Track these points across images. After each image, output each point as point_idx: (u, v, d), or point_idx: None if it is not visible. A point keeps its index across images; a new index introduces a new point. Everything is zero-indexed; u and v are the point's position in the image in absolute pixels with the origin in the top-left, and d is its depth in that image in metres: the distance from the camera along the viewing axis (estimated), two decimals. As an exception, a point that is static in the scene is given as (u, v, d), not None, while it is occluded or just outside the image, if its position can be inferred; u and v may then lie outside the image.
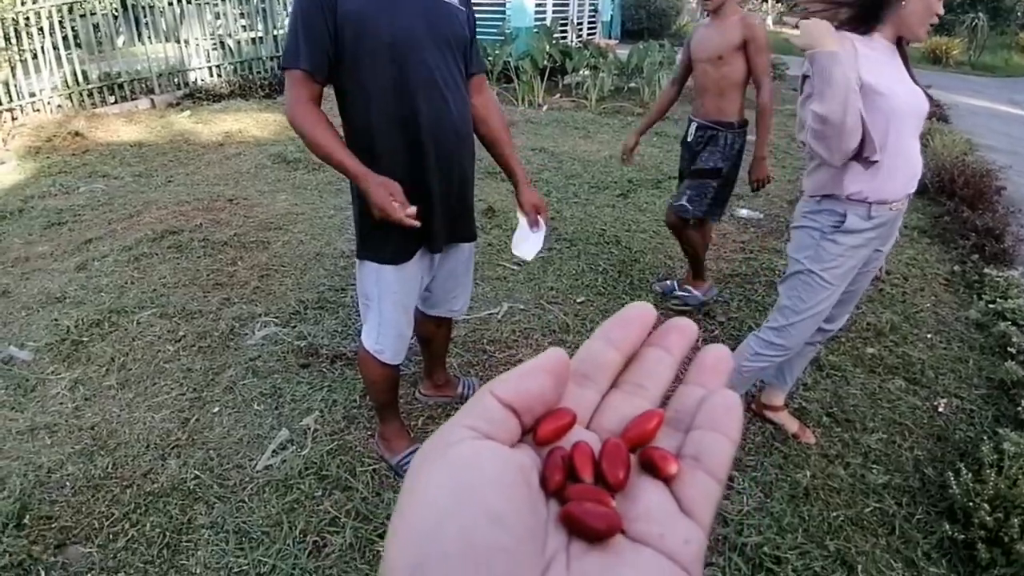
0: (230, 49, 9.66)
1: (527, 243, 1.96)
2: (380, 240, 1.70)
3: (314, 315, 3.03)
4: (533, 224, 1.93)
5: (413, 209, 1.56)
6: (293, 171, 5.31)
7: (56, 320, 3.00)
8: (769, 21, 25.75)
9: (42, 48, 7.53)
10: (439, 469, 0.23)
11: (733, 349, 2.73)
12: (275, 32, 10.17)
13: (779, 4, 26.04)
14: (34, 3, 7.39)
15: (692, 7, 22.25)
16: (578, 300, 3.25)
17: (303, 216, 4.20)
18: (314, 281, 3.34)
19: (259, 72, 9.86)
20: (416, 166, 1.65)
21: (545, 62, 9.17)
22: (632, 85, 9.37)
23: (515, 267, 3.57)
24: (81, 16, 8.48)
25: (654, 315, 0.30)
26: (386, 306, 1.79)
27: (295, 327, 2.93)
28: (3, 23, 7.14)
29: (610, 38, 13.71)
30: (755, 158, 2.85)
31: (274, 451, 2.20)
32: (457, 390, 2.44)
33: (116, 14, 8.51)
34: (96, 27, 8.92)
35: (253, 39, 9.95)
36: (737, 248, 3.97)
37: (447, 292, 2.05)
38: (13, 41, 7.32)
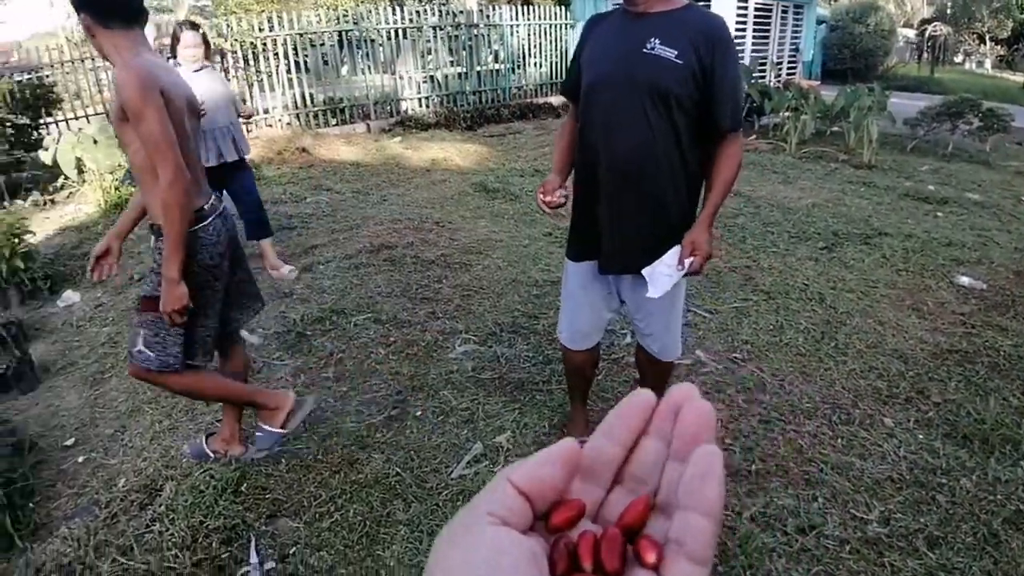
0: (438, 82, 10.55)
1: (661, 276, 1.87)
2: (570, 238, 2.08)
3: (508, 338, 3.15)
4: (680, 260, 1.84)
5: (549, 196, 1.95)
6: (492, 200, 5.62)
7: (284, 313, 3.42)
8: (988, 65, 22.79)
9: (276, 71, 8.76)
10: (464, 552, 0.27)
11: (948, 435, 2.40)
12: (478, 68, 10.95)
13: (998, 47, 22.97)
14: (271, 31, 8.65)
15: (901, 46, 20.36)
16: (775, 358, 3.05)
17: (501, 243, 4.42)
18: (509, 305, 3.49)
19: (462, 105, 10.64)
20: (590, 190, 1.88)
21: (743, 102, 8.85)
22: (835, 129, 8.74)
23: (706, 314, 3.44)
24: (312, 46, 9.76)
25: (653, 402, 0.32)
26: (564, 291, 2.15)
27: (491, 347, 3.07)
28: (243, 46, 8.43)
29: (811, 78, 12.94)
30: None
31: (468, 462, 2.31)
32: None
33: (342, 45, 9.67)
34: (324, 57, 10.23)
35: (459, 74, 10.80)
36: (956, 320, 3.49)
37: (639, 323, 2.11)
38: (252, 63, 8.61)
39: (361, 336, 3.16)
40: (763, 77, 11.15)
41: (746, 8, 10.55)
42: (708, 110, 1.77)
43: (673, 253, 1.84)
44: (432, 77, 10.44)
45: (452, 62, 10.75)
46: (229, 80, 8.29)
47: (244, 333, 3.18)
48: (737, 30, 10.45)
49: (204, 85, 3.46)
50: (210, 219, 1.96)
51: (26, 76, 8.28)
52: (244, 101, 8.47)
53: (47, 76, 8.42)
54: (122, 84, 1.71)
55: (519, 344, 3.10)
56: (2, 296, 3.97)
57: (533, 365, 2.92)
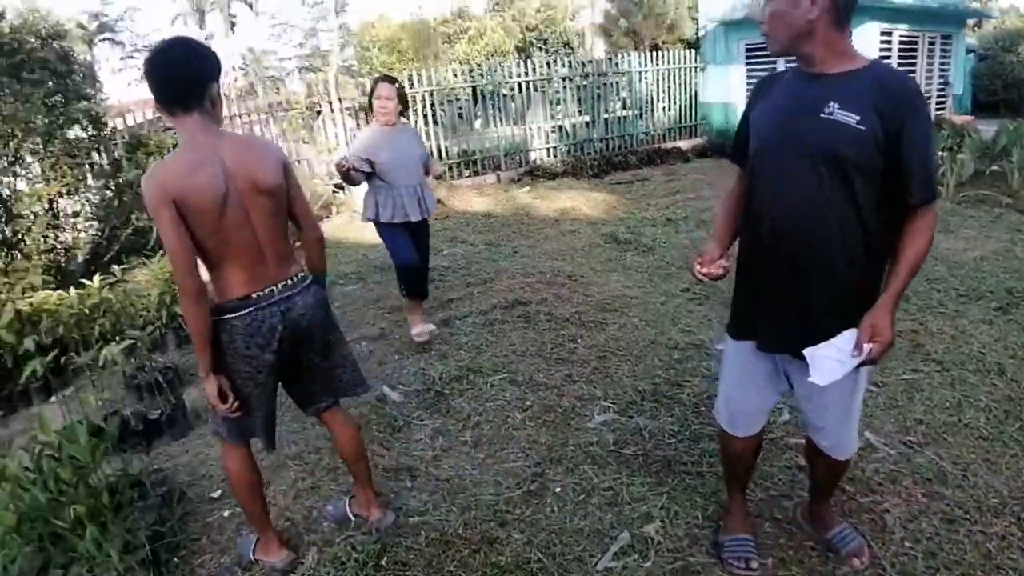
0: (566, 131, 10.67)
1: (827, 361, 1.60)
2: (732, 312, 1.89)
3: (650, 408, 2.96)
4: (857, 345, 1.57)
5: (708, 266, 1.83)
6: (624, 252, 5.48)
7: (424, 370, 3.45)
8: None
9: (416, 126, 9.21)
10: None
11: None
12: (605, 116, 10.96)
13: None
14: (411, 88, 9.12)
15: None
16: (955, 442, 2.62)
17: (636, 300, 4.25)
18: (649, 371, 3.30)
19: (589, 153, 10.67)
20: (755, 262, 1.75)
21: (936, 171, 8.12)
22: (995, 169, 7.74)
23: (872, 387, 3.05)
24: (448, 101, 10.22)
25: None
26: (724, 370, 1.97)
27: (632, 417, 2.89)
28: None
29: (962, 113, 11.70)
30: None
31: (615, 554, 2.13)
32: (829, 531, 2.09)
33: (475, 99, 10.05)
34: (459, 111, 10.68)
35: (586, 123, 10.87)
36: None
37: (808, 413, 1.87)
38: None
39: (498, 398, 3.10)
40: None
41: (890, 40, 9.82)
42: (895, 181, 1.54)
43: (848, 337, 1.60)
44: (560, 127, 10.58)
45: (580, 111, 10.85)
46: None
47: (385, 389, 3.25)
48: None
49: (395, 143, 3.55)
50: (252, 309, 1.85)
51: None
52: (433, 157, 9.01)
53: None
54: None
55: (662, 416, 2.90)
56: (160, 340, 4.33)
57: (680, 442, 2.71)
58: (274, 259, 1.92)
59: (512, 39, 26.96)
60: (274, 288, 1.91)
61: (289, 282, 1.95)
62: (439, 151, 9.53)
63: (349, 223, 7.41)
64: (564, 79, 10.45)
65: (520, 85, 10.09)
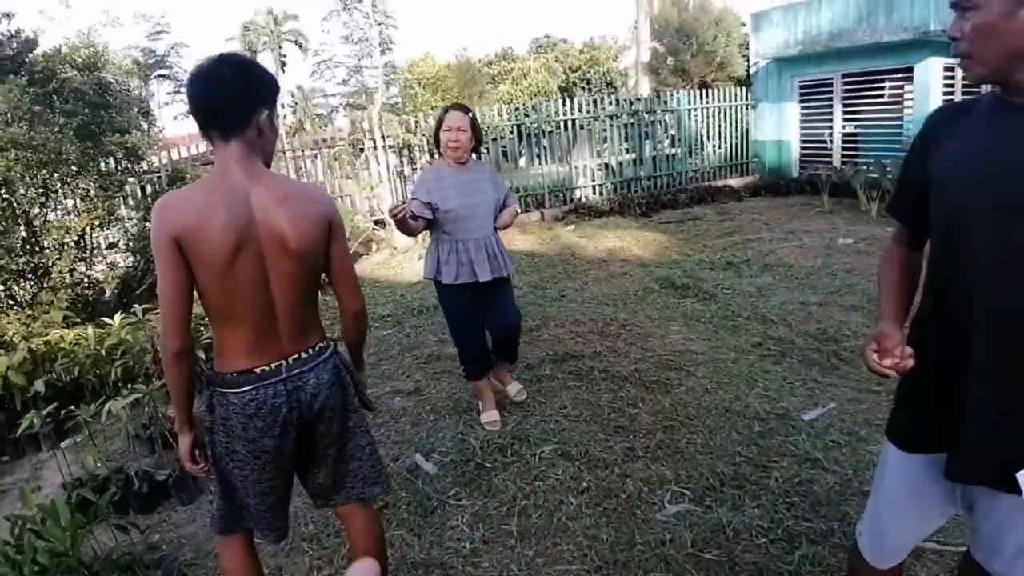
0: (612, 169, 10.33)
1: None
2: (897, 413, 1.44)
3: (732, 496, 2.47)
4: None
5: (897, 361, 1.27)
6: (682, 299, 5.01)
7: (462, 435, 3.02)
8: None
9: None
10: None
11: None
12: (653, 153, 10.60)
13: None
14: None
15: None
16: None
17: (703, 357, 3.76)
18: (726, 446, 2.80)
19: (636, 191, 10.29)
20: (951, 355, 1.24)
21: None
22: None
23: None
24: (493, 140, 10.02)
25: None
26: (879, 486, 1.48)
27: (710, 507, 2.40)
28: (430, 140, 8.71)
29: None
30: None
31: None
32: None
33: (520, 138, 9.83)
34: (503, 149, 10.47)
35: (633, 160, 10.52)
36: None
37: (994, 544, 1.35)
38: (436, 156, 8.90)
39: (548, 476, 2.64)
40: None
41: (953, 76, 9.21)
42: None
43: None
44: (606, 164, 10.26)
45: (627, 149, 10.53)
46: (416, 171, 8.67)
47: (418, 458, 2.84)
48: (944, 99, 9.11)
49: (465, 186, 2.91)
50: (253, 387, 1.52)
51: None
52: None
53: None
54: None
55: (747, 506, 2.40)
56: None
57: (771, 542, 2.20)
58: (289, 329, 1.56)
59: (555, 79, 27.09)
60: (283, 363, 1.55)
61: (303, 355, 1.58)
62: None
63: (388, 260, 7.14)
64: (611, 117, 10.15)
65: (565, 123, 9.83)
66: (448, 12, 76.66)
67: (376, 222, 8.52)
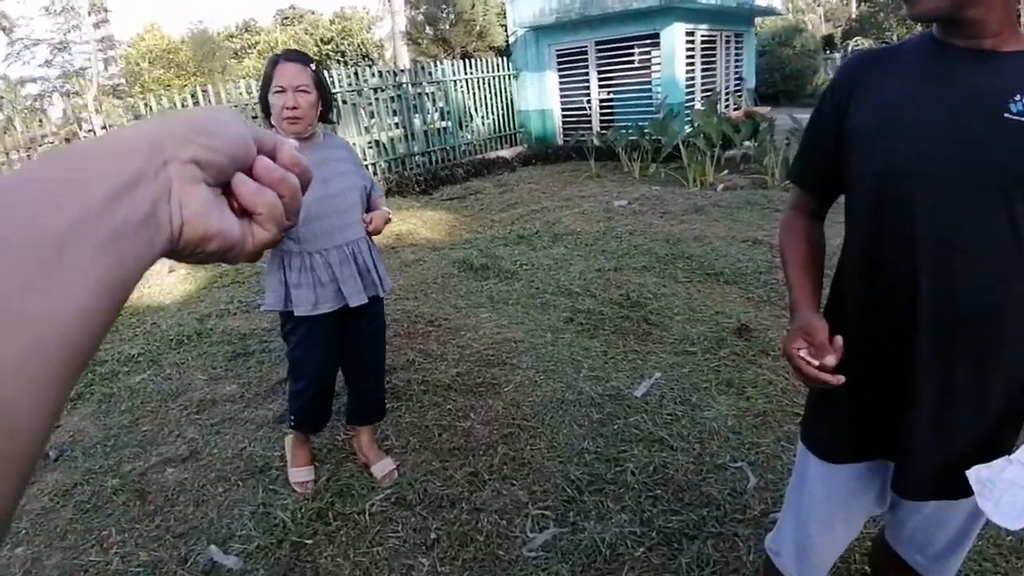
0: (384, 147, 9.74)
1: (1013, 490, 1.02)
2: (814, 414, 1.27)
3: (594, 504, 2.23)
4: None
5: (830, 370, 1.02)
6: (484, 280, 4.73)
7: (265, 506, 2.37)
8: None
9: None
10: None
11: None
12: (424, 128, 10.22)
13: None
14: (195, 106, 7.69)
15: (837, 62, 21.15)
16: None
17: (522, 344, 3.51)
18: (572, 445, 2.57)
19: (412, 168, 9.84)
20: (889, 349, 1.07)
21: (719, 139, 8.40)
22: None
23: None
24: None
25: None
26: (798, 498, 1.30)
27: (575, 523, 2.13)
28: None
29: (756, 105, 12.81)
30: None
31: None
32: None
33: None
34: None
35: (404, 136, 10.03)
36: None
37: (922, 539, 1.26)
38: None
39: (387, 536, 2.15)
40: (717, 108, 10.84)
41: (693, 39, 10.28)
42: None
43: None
44: (377, 141, 9.62)
45: (396, 124, 9.99)
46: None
47: (213, 551, 2.15)
48: (687, 63, 10.14)
49: (316, 170, 1.98)
50: None
51: None
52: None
53: None
54: None
55: (613, 512, 2.18)
56: None
57: (650, 549, 2.01)
58: None
59: (306, 52, 25.18)
60: None
61: None
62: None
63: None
64: (375, 90, 9.50)
65: (326, 99, 8.97)
66: None
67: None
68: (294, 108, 1.95)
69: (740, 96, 12.45)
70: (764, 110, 11.17)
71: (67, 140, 6.82)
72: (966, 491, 1.04)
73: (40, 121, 11.41)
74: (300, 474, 2.45)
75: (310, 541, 2.14)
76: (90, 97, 6.52)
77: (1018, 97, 0.91)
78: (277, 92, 1.96)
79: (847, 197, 1.13)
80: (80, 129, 6.73)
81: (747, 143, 9.16)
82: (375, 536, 2.15)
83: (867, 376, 1.08)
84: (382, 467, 2.46)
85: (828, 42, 30.22)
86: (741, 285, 4.15)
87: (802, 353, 1.04)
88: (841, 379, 1.01)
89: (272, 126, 2.02)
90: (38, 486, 2.71)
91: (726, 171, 8.53)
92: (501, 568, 1.98)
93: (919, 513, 1.21)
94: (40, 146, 7.07)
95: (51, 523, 2.44)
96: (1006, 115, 0.92)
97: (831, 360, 1.01)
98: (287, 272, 2.08)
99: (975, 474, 1.03)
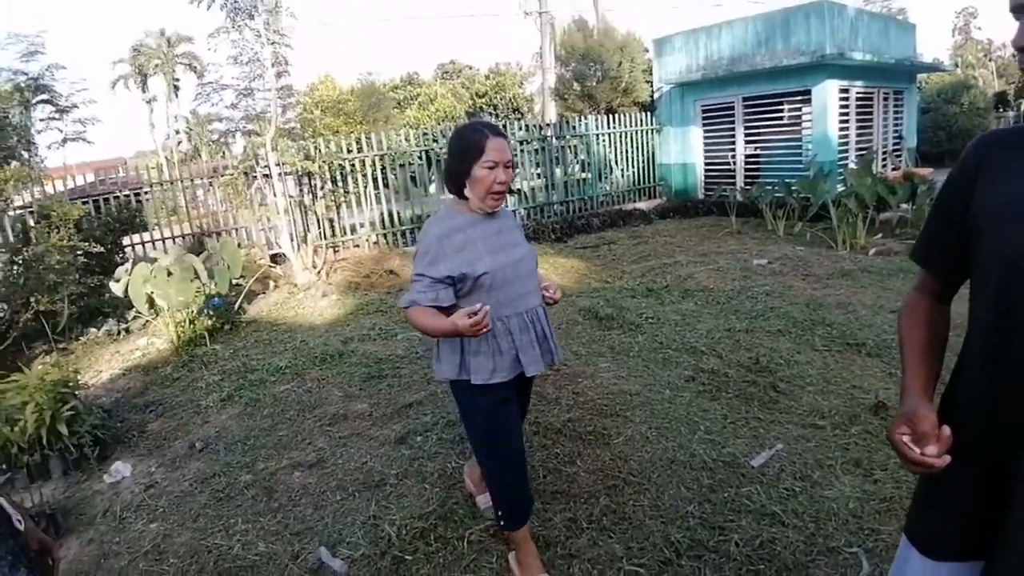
0: (524, 195, 10.14)
1: None
2: (919, 505, 1.18)
3: (691, 569, 2.15)
4: None
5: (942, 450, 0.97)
6: (608, 331, 4.75)
7: (375, 519, 2.54)
8: None
9: (364, 191, 8.51)
10: None
11: None
12: (564, 178, 10.53)
13: None
14: (359, 152, 8.46)
15: (1011, 121, 19.01)
16: None
17: (638, 398, 3.48)
18: (677, 506, 2.50)
19: (550, 216, 10.14)
20: (1005, 453, 0.98)
21: (872, 200, 7.85)
22: None
23: None
24: (400, 166, 9.62)
25: None
26: None
27: (672, 588, 2.07)
28: (331, 167, 8.21)
29: (917, 165, 11.79)
30: None
31: None
32: None
33: (429, 164, 9.50)
34: (412, 175, 10.08)
35: (544, 185, 10.39)
36: None
37: None
38: (339, 183, 8.38)
39: (481, 566, 2.22)
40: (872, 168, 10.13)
41: (847, 97, 9.77)
42: None
43: None
44: (519, 190, 10.06)
45: (538, 174, 10.40)
46: (316, 201, 8.07)
47: (323, 553, 2.33)
48: (841, 120, 9.63)
49: (499, 241, 2.00)
50: None
51: (128, 192, 8.47)
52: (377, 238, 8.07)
53: (145, 194, 8.56)
54: None
55: (711, 581, 2.09)
56: (41, 467, 3.32)
57: (745, 629, 1.90)
58: None
59: (462, 104, 27.01)
60: None
61: None
62: (389, 216, 8.81)
63: (287, 300, 6.49)
64: (521, 142, 9.98)
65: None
66: (350, 35, 75.61)
67: (273, 257, 7.83)
68: (504, 183, 1.94)
69: (899, 156, 11.58)
70: (926, 171, 10.28)
71: (245, 174, 7.80)
72: None
73: (223, 154, 13.14)
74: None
75: (410, 557, 2.27)
76: (268, 137, 7.43)
77: None
78: (489, 167, 1.89)
79: (972, 281, 1.08)
80: (257, 164, 7.68)
81: (904, 206, 8.45)
82: (470, 563, 2.22)
83: (974, 470, 1.01)
84: (485, 499, 2.49)
85: (1001, 99, 27.25)
86: (884, 359, 3.82)
87: (905, 439, 1.01)
88: (946, 460, 0.95)
89: (463, 197, 1.97)
90: (181, 471, 3.11)
91: (879, 235, 7.92)
92: (589, 619, 1.97)
93: None
94: (221, 176, 8.15)
95: (187, 505, 2.79)
96: None
97: (932, 450, 0.97)
98: (465, 340, 1.96)
99: None
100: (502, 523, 2.13)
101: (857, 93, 10.01)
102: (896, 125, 11.43)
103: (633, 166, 11.39)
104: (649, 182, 11.65)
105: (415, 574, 2.19)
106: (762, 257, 6.82)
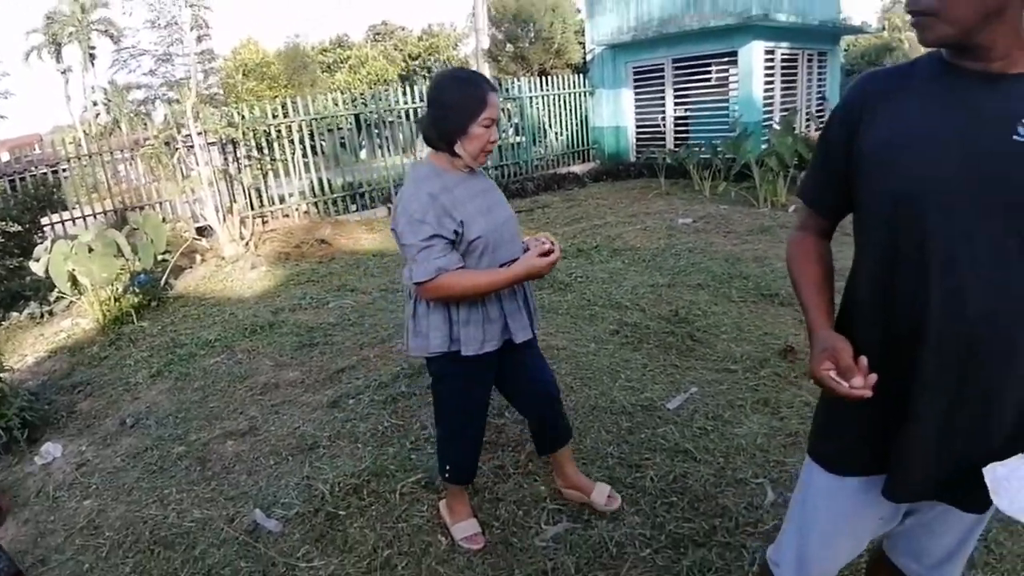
0: (460, 158, 10.09)
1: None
2: (822, 428, 1.29)
3: (610, 505, 2.32)
4: None
5: (868, 380, 1.03)
6: (538, 291, 4.86)
7: (309, 479, 2.61)
8: None
9: (292, 158, 8.31)
10: None
11: None
12: (499, 142, 10.54)
13: None
14: (285, 117, 8.23)
15: None
16: None
17: (563, 351, 3.63)
18: (598, 448, 2.67)
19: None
20: (893, 369, 1.07)
21: (792, 159, 8.21)
22: None
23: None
24: (328, 131, 9.40)
25: None
26: (803, 509, 1.31)
27: (588, 521, 2.24)
28: (256, 134, 7.98)
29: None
30: None
31: None
32: None
33: (359, 128, 9.31)
34: (341, 141, 9.88)
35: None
36: None
37: (919, 547, 1.28)
38: (266, 151, 8.16)
39: (412, 515, 2.33)
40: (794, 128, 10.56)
41: (773, 58, 10.10)
42: None
43: None
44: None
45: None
46: (242, 170, 7.83)
47: (257, 515, 2.39)
48: (766, 82, 9.96)
49: (485, 199, 1.88)
50: None
51: (45, 170, 8.01)
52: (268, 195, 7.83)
53: (64, 170, 8.12)
54: None
55: (627, 514, 2.26)
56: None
57: (656, 552, 2.08)
58: None
59: (395, 67, 26.32)
60: None
61: None
62: (320, 185, 8.64)
63: (215, 273, 6.34)
64: (454, 105, 9.88)
65: (408, 113, 9.43)
66: None
67: (199, 230, 7.59)
68: (495, 141, 1.83)
69: (823, 117, 12.07)
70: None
71: (166, 144, 7.49)
72: (955, 499, 1.08)
73: (144, 124, 12.52)
74: (466, 527, 2.20)
75: (343, 512, 2.36)
76: (189, 105, 7.13)
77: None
78: (486, 125, 1.76)
79: (856, 218, 1.15)
80: (179, 133, 7.38)
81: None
82: (401, 514, 2.33)
83: (875, 392, 1.07)
84: (602, 490, 2.29)
85: None
86: (795, 307, 4.09)
87: (832, 374, 1.05)
88: (869, 392, 1.02)
89: (454, 154, 1.80)
90: (112, 448, 3.09)
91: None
92: (512, 553, 2.11)
93: (918, 522, 1.24)
94: (142, 147, 7.81)
95: (120, 480, 2.79)
96: (1015, 137, 0.95)
97: (859, 381, 1.03)
98: (453, 308, 1.86)
99: (991, 472, 1.05)
100: (447, 476, 2.17)
101: (782, 55, 10.34)
102: (820, 86, 11.87)
103: (567, 129, 11.48)
104: (583, 145, 11.78)
105: (348, 527, 2.29)
106: (687, 216, 7.08)
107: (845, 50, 16.40)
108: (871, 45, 18.57)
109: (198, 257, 6.80)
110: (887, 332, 1.10)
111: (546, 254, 1.77)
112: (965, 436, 1.07)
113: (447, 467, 2.16)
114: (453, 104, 1.76)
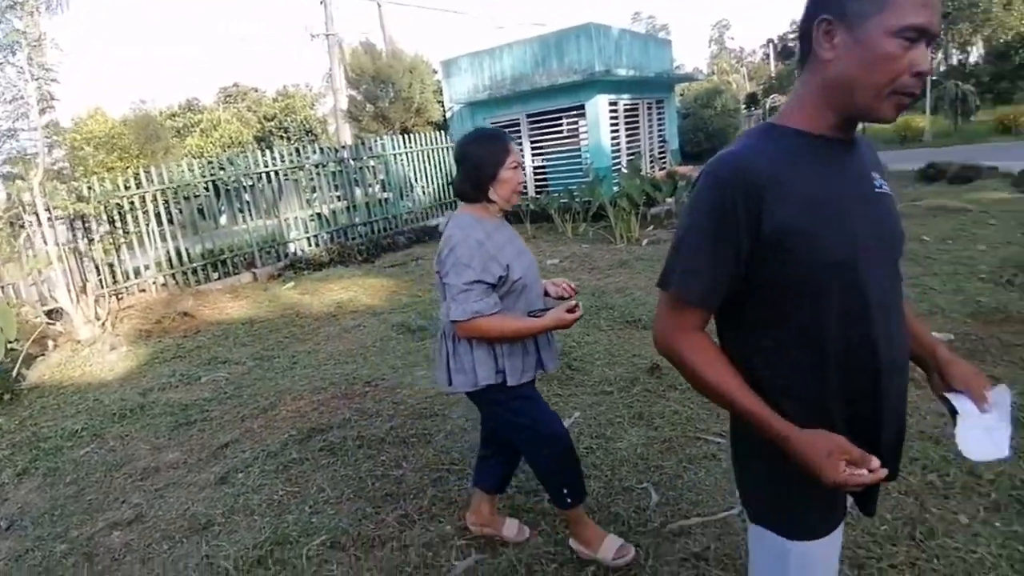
0: (325, 219, 10.02)
1: (985, 434, 1.18)
2: (798, 503, 1.16)
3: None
4: (981, 401, 1.18)
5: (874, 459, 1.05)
6: (421, 341, 5.00)
7: (209, 558, 2.52)
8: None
9: (147, 229, 7.89)
10: None
11: None
12: (366, 199, 10.61)
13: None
14: (138, 188, 7.84)
15: (760, 118, 22.81)
16: None
17: (453, 397, 3.77)
18: (496, 482, 2.82)
19: (354, 238, 10.14)
20: (861, 413, 1.14)
21: (641, 198, 9.04)
22: None
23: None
24: (184, 199, 9.01)
25: None
26: None
27: (496, 550, 2.37)
28: (107, 207, 7.53)
29: (680, 164, 13.79)
30: None
31: None
32: None
33: (218, 194, 9.01)
34: (200, 210, 9.49)
35: (346, 207, 10.36)
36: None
37: None
38: (118, 224, 7.69)
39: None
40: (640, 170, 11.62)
41: (616, 109, 11.12)
42: None
43: (966, 407, 1.19)
44: (319, 214, 9.92)
45: (338, 196, 10.35)
46: (93, 245, 7.30)
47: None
48: (612, 130, 10.92)
49: (512, 241, 2.09)
50: None
51: None
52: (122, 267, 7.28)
53: None
54: None
55: (531, 537, 2.43)
56: None
57: (562, 565, 2.25)
58: None
59: (249, 129, 25.61)
60: None
61: None
62: (178, 254, 8.21)
63: (72, 358, 5.82)
64: (317, 166, 9.88)
65: (268, 175, 9.28)
66: (120, 63, 67.36)
67: (48, 313, 6.93)
68: (523, 181, 2.13)
69: (664, 157, 13.37)
70: (687, 169, 12.04)
71: (11, 224, 6.85)
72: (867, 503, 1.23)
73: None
74: (611, 543, 2.22)
75: (251, 585, 2.31)
76: (36, 181, 6.60)
77: (874, 175, 1.14)
78: (514, 168, 2.02)
79: (760, 294, 1.11)
80: (24, 212, 6.79)
81: (669, 200, 9.87)
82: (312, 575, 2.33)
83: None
84: (511, 527, 2.44)
85: (752, 99, 32.45)
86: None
87: (854, 471, 1.02)
88: (860, 483, 1.04)
89: (489, 200, 2.02)
90: None
91: (651, 227, 9.15)
92: (427, 595, 2.19)
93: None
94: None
95: None
96: (876, 190, 1.12)
97: (876, 462, 1.03)
98: (496, 345, 2.01)
99: (958, 432, 1.17)
100: (569, 500, 2.17)
101: (625, 105, 11.41)
102: (660, 130, 13.18)
103: (433, 183, 11.78)
104: (449, 198, 12.11)
105: (257, 599, 2.25)
106: (554, 257, 7.55)
107: (680, 95, 18.32)
108: (703, 89, 20.91)
109: (50, 343, 6.20)
110: (845, 383, 1.11)
111: (571, 310, 1.97)
112: (890, 453, 1.16)
113: (564, 491, 2.16)
114: (481, 157, 2.01)
